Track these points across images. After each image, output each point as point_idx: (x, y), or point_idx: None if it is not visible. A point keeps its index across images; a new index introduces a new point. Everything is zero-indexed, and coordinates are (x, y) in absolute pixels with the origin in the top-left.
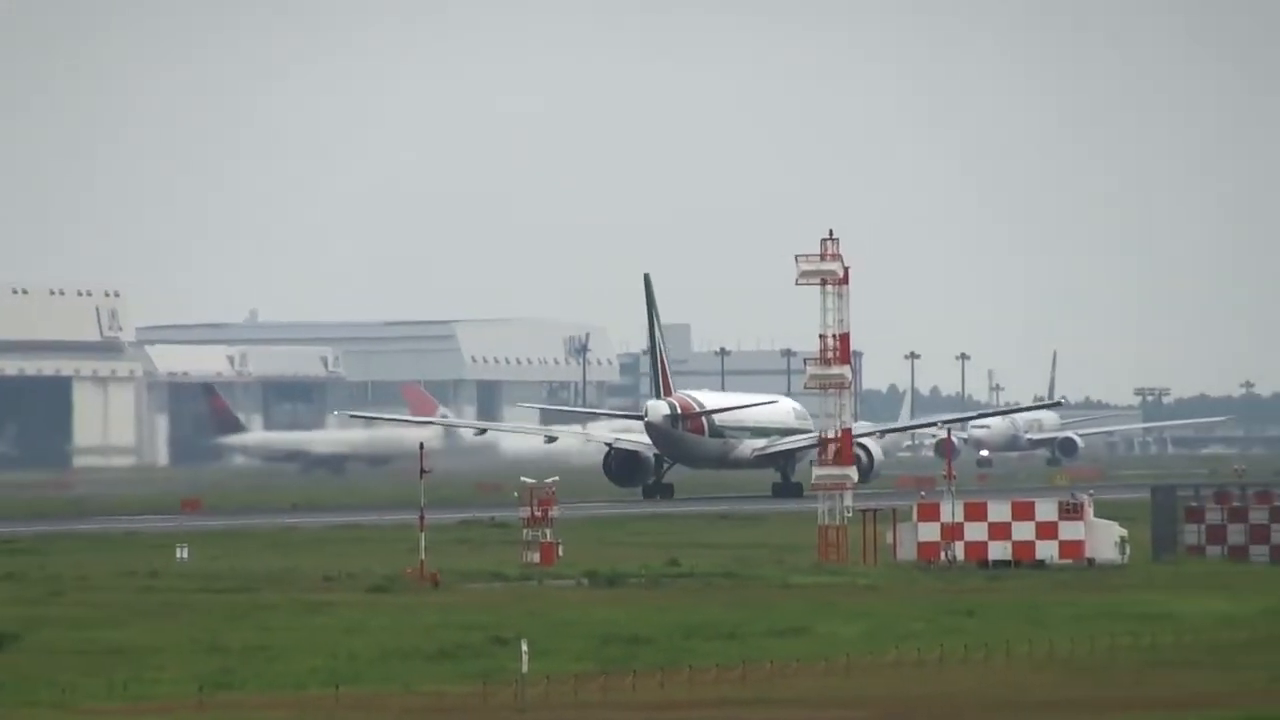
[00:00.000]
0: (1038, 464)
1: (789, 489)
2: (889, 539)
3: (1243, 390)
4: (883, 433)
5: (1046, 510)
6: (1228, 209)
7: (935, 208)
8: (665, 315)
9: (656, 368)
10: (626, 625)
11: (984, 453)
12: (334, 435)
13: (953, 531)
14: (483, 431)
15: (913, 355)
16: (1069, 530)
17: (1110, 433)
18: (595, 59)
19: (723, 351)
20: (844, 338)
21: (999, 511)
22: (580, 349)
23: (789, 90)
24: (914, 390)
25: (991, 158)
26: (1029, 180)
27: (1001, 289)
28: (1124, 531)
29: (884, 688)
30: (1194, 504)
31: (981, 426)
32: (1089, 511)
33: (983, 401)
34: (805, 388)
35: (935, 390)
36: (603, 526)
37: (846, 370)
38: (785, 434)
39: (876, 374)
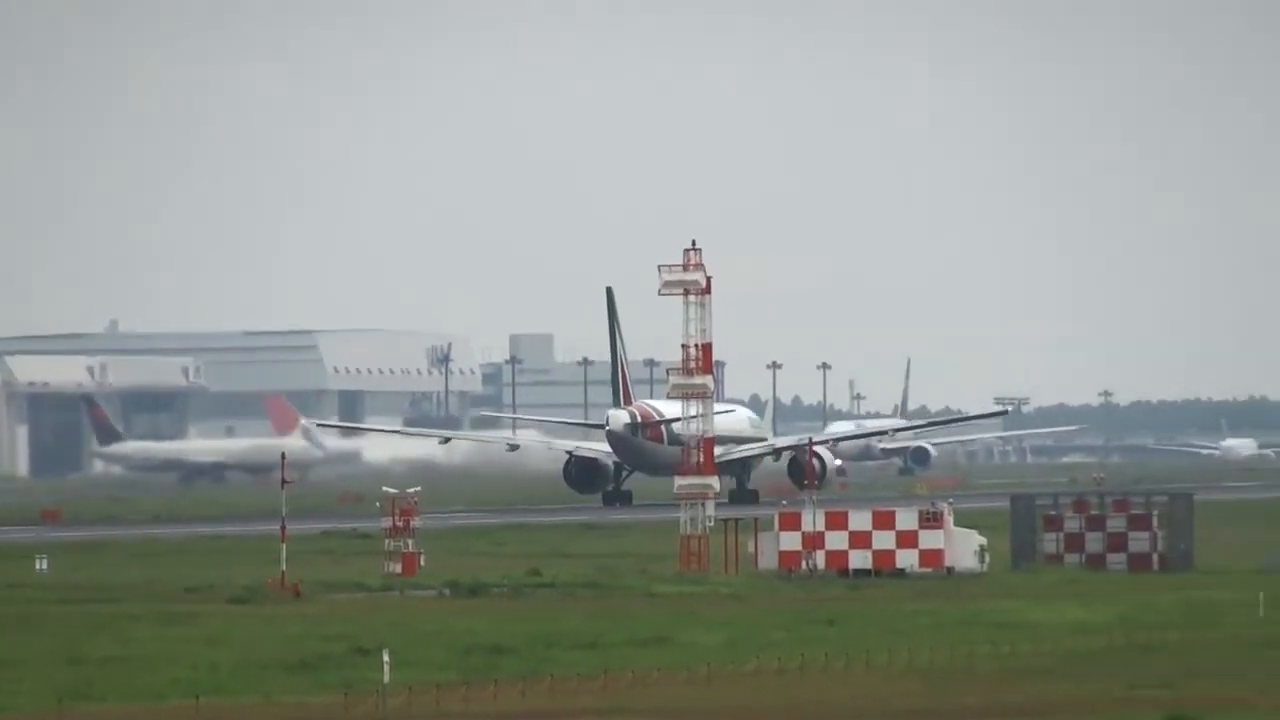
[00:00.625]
0: (891, 473)
1: (745, 495)
2: (750, 548)
3: (1101, 399)
4: (836, 441)
5: (907, 519)
6: (1087, 220)
7: (796, 216)
8: (527, 326)
9: (617, 378)
10: (488, 635)
11: (838, 462)
12: (214, 444)
13: (814, 540)
14: (446, 440)
15: (774, 365)
16: (929, 539)
17: (967, 441)
18: (459, 75)
19: (586, 361)
20: (706, 347)
21: (860, 520)
22: (443, 359)
23: (649, 99)
24: (775, 400)
25: (848, 165)
26: (884, 188)
27: (862, 298)
28: (983, 540)
29: (745, 697)
30: (1053, 513)
31: (839, 437)
32: (949, 520)
33: (844, 410)
34: (668, 397)
35: (797, 400)
36: (465, 537)
37: (708, 379)
38: (741, 442)
39: (738, 383)
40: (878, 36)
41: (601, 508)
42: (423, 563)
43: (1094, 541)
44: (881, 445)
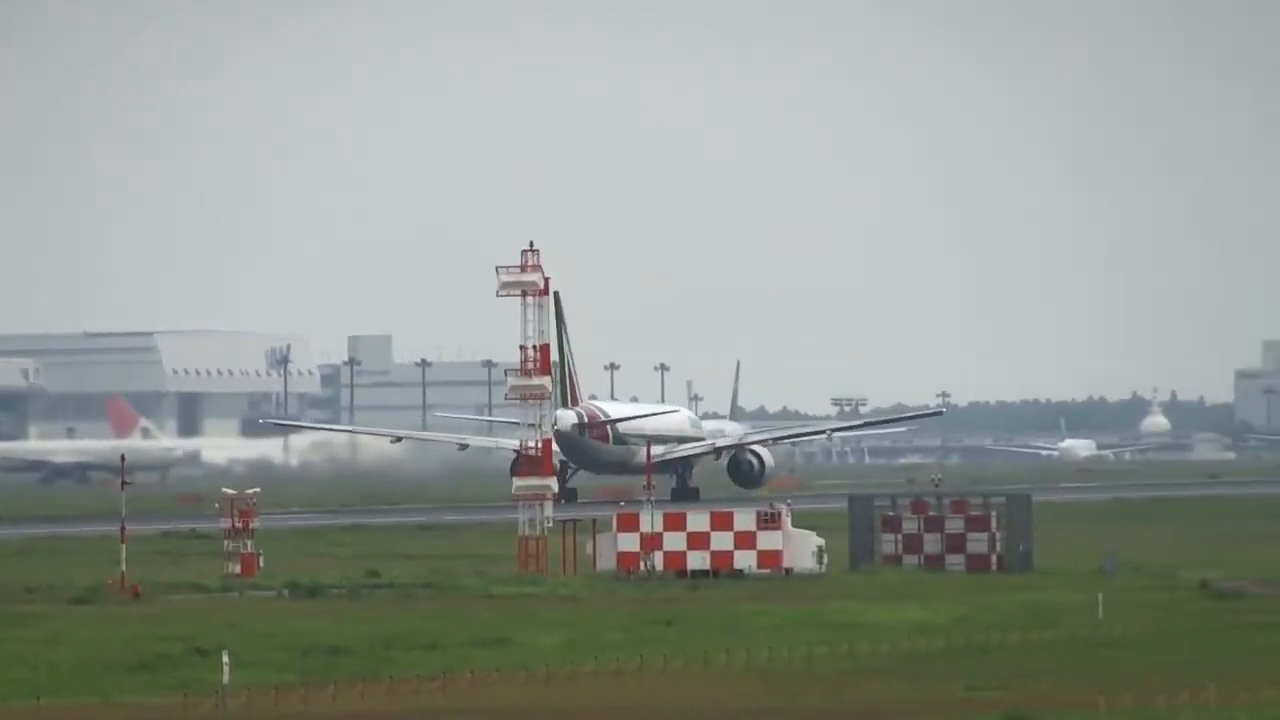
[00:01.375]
0: (720, 474)
1: (686, 493)
2: (589, 549)
3: (939, 400)
4: (774, 440)
5: (745, 520)
6: (924, 221)
7: (637, 217)
8: (366, 328)
9: (565, 380)
10: (327, 636)
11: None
12: (78, 445)
13: (652, 542)
14: (398, 439)
15: (612, 366)
16: (767, 540)
17: (803, 442)
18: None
19: (424, 363)
20: (544, 348)
21: (698, 521)
22: (282, 360)
23: (494, 100)
24: (613, 400)
25: (690, 162)
26: (717, 187)
27: (700, 299)
28: (821, 541)
29: (584, 698)
30: (891, 514)
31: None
32: (787, 521)
33: None
34: (505, 399)
35: (635, 400)
36: (304, 538)
37: (547, 381)
38: (682, 441)
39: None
40: (716, 36)
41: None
42: (261, 564)
43: (932, 543)
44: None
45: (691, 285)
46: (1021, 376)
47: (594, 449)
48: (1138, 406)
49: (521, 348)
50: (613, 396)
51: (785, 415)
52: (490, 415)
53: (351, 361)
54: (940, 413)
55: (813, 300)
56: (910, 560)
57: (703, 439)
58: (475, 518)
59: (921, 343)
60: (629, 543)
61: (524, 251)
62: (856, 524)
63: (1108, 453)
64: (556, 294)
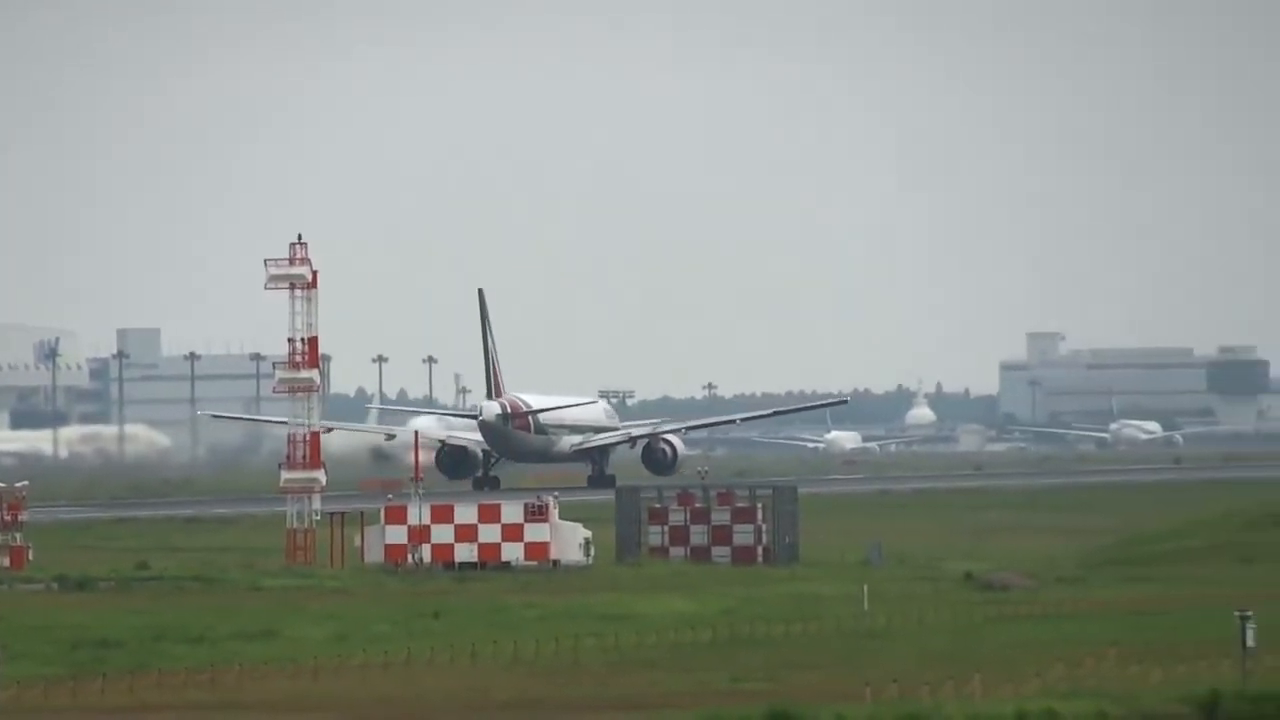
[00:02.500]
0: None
1: (603, 480)
2: (357, 542)
3: (705, 392)
4: (687, 429)
5: (512, 512)
6: (684, 216)
7: (400, 209)
8: (133, 321)
9: (489, 372)
10: (96, 629)
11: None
12: None
13: (420, 534)
14: (329, 430)
15: (380, 358)
16: (534, 532)
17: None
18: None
19: (193, 356)
20: (312, 341)
21: (466, 514)
22: (50, 353)
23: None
24: (382, 393)
25: (450, 163)
26: (481, 186)
27: (469, 290)
28: (588, 533)
29: (352, 690)
30: (658, 506)
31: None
32: (554, 513)
33: (450, 405)
34: (274, 392)
35: (402, 393)
36: (74, 531)
37: (315, 374)
38: (599, 431)
39: (344, 377)
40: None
41: (472, 492)
42: (31, 557)
43: (699, 534)
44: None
45: (463, 276)
46: (786, 369)
47: (517, 438)
48: (903, 398)
49: (290, 340)
50: (380, 389)
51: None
52: (259, 409)
53: (120, 355)
54: (844, 401)
55: (580, 292)
56: (677, 552)
57: (618, 429)
58: (244, 510)
59: (687, 335)
60: (397, 535)
61: (292, 244)
62: (623, 516)
63: (873, 445)
64: (480, 291)
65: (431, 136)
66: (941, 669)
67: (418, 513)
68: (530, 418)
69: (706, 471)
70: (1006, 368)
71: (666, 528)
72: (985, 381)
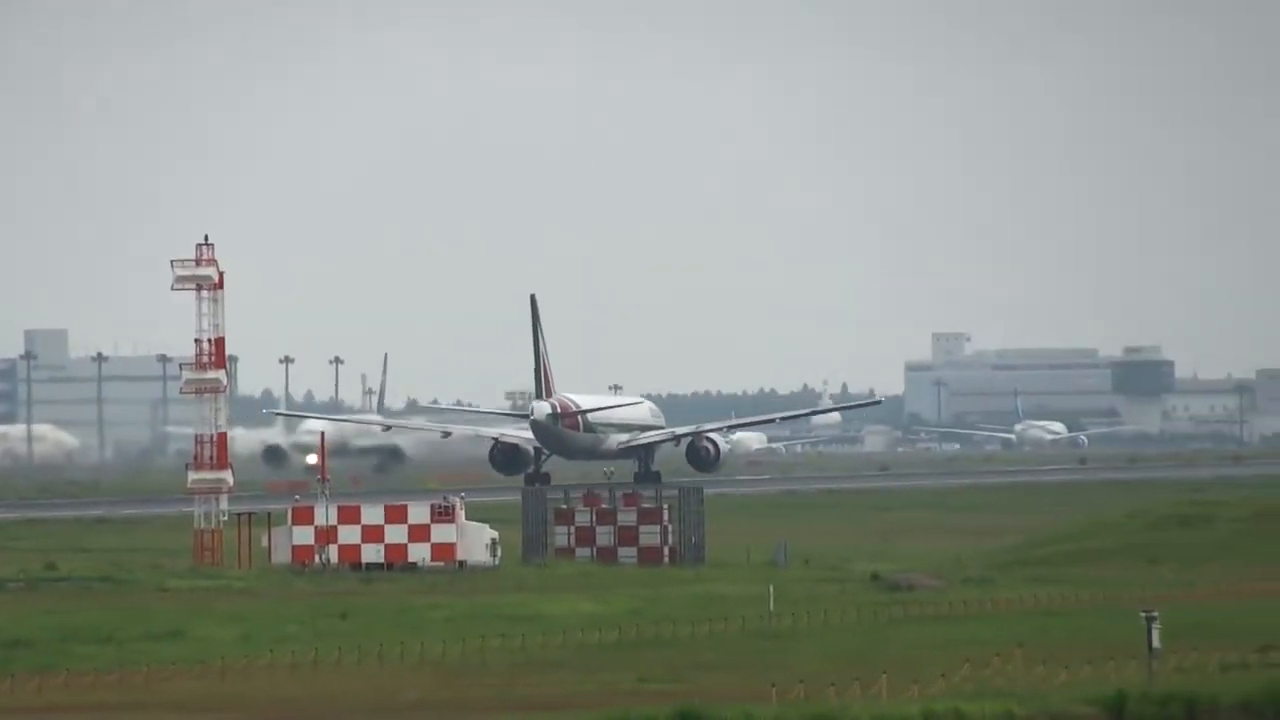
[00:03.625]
0: (366, 472)
1: (648, 476)
2: (264, 543)
3: (610, 392)
4: (730, 428)
5: (419, 513)
6: (585, 223)
7: (309, 213)
8: (41, 322)
9: (540, 374)
10: (4, 629)
11: (312, 458)
12: None
13: (327, 535)
14: (387, 428)
15: (287, 360)
16: (441, 533)
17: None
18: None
19: (100, 357)
20: (219, 342)
21: (372, 515)
22: None
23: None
24: (289, 395)
25: (358, 160)
26: (380, 181)
27: (376, 291)
28: (495, 534)
29: (260, 691)
30: (564, 507)
31: (311, 432)
32: (461, 514)
33: (357, 406)
34: (181, 393)
35: (309, 395)
36: None
37: (222, 374)
38: (644, 430)
39: (251, 379)
40: None
41: (510, 485)
42: None
43: (605, 535)
44: (356, 444)
45: (368, 276)
46: (691, 370)
47: (567, 437)
48: (808, 399)
49: (196, 341)
50: (287, 389)
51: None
52: (166, 411)
53: (28, 356)
54: (878, 401)
55: (471, 297)
56: (583, 553)
57: (662, 427)
58: (152, 511)
59: (594, 337)
60: (304, 536)
61: (199, 245)
62: (530, 517)
63: (779, 445)
64: (533, 296)
65: (342, 136)
66: (848, 669)
67: (325, 513)
68: (579, 417)
69: (612, 472)
70: (912, 368)
71: (573, 528)
72: (891, 382)
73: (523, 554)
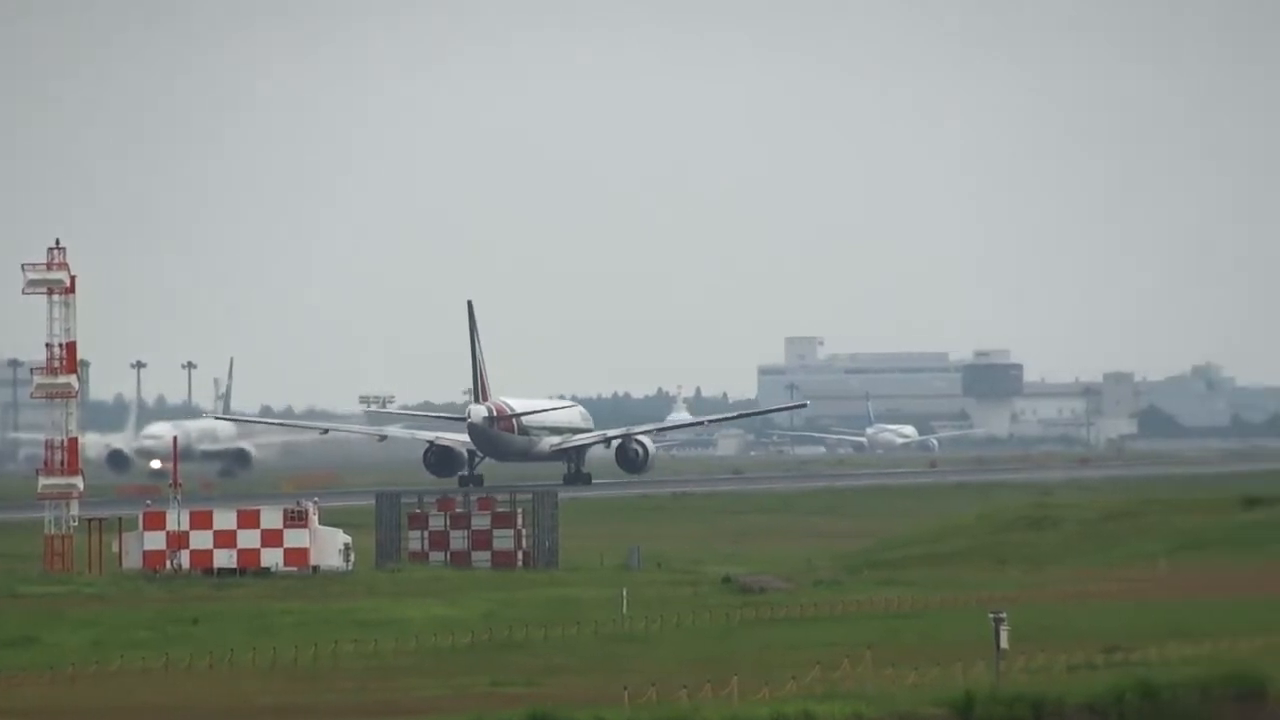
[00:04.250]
0: (212, 475)
1: (579, 478)
2: (115, 548)
3: (465, 398)
4: (659, 430)
5: (272, 518)
6: (464, 225)
7: (166, 214)
8: None
9: (477, 378)
10: None
11: (156, 464)
12: None
13: (179, 539)
14: (325, 431)
15: (139, 364)
16: (294, 537)
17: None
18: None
19: (15, 363)
20: (70, 346)
21: (225, 519)
22: None
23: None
24: (140, 399)
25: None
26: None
27: (230, 296)
28: (348, 538)
29: (111, 697)
30: (418, 510)
31: (153, 437)
32: (314, 519)
33: (209, 409)
34: (31, 397)
35: (161, 399)
36: None
37: (73, 379)
38: (575, 432)
39: (102, 383)
40: None
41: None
42: None
43: (459, 539)
44: (202, 447)
45: (223, 282)
46: (547, 374)
47: (502, 439)
48: (662, 403)
49: (48, 345)
50: (139, 394)
51: (313, 414)
52: (16, 417)
53: None
54: (804, 404)
55: (332, 301)
56: (437, 557)
57: (592, 430)
58: (2, 516)
59: (455, 342)
60: (155, 541)
61: (50, 249)
62: (383, 521)
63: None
64: (470, 303)
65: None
66: (700, 672)
67: (176, 518)
68: (514, 420)
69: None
70: (765, 372)
71: (426, 533)
72: (744, 385)
73: (376, 559)
